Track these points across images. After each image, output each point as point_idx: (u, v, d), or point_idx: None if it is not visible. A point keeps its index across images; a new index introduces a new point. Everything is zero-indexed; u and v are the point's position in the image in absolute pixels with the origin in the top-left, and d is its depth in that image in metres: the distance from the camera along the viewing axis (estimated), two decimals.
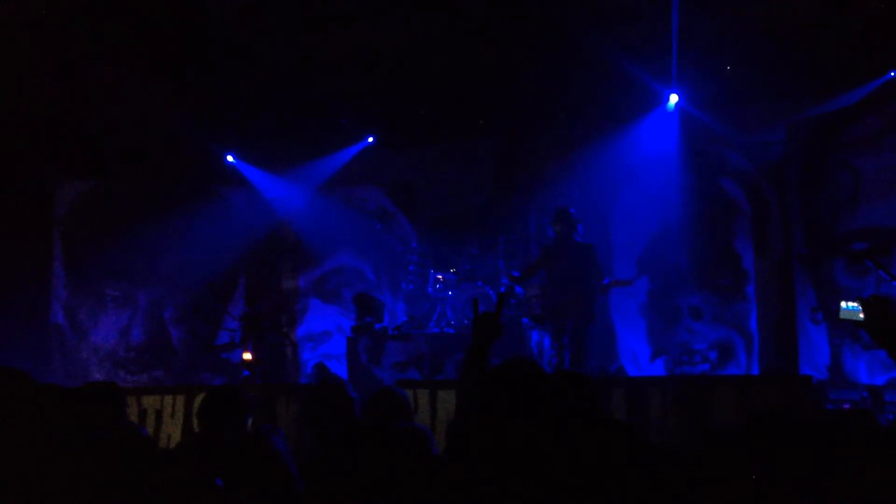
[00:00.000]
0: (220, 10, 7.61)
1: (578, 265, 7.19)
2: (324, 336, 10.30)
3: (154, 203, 10.20)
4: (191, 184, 10.41)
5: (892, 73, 8.04)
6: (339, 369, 9.31)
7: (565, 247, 7.25)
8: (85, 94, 8.96)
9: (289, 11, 7.77)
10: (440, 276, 8.72)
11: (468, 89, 8.80)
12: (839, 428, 2.39)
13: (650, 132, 8.96)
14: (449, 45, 8.31)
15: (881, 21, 7.37)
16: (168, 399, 6.29)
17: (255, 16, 7.80)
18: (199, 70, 8.52)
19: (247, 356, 8.07)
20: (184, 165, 10.25)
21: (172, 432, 6.14)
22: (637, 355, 8.94)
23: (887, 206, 7.96)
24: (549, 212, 7.63)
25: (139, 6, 7.55)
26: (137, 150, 9.89)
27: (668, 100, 8.74)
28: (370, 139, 10.07)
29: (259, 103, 9.22)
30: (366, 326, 8.62)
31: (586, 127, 9.05)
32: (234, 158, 10.33)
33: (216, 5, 7.54)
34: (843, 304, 2.49)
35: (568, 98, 8.65)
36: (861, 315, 2.39)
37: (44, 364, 9.61)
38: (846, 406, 7.24)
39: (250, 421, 3.33)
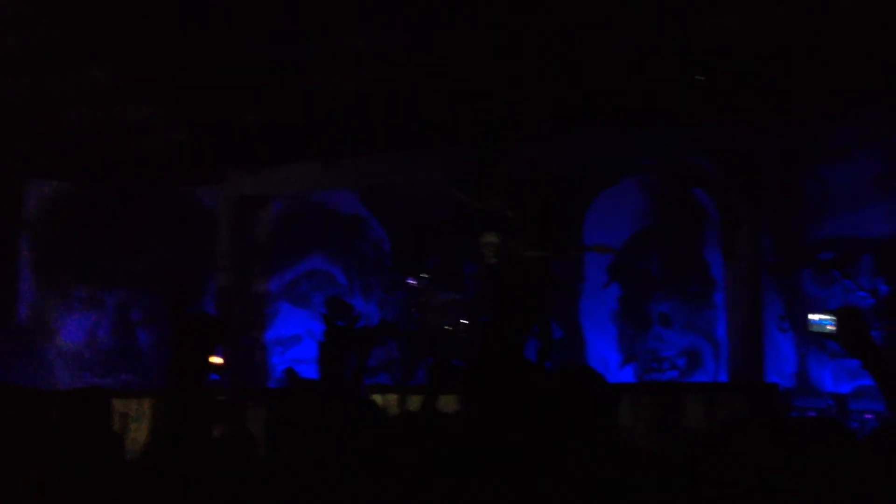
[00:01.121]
0: (199, 10, 7.57)
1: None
2: (294, 340, 10.26)
3: (124, 204, 10.12)
4: (162, 185, 10.34)
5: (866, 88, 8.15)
6: (309, 374, 9.27)
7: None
8: (55, 94, 8.87)
9: (270, 15, 7.74)
10: (412, 282, 8.72)
11: (445, 95, 8.80)
12: (808, 435, 2.41)
13: (623, 140, 9.02)
14: (426, 52, 8.32)
15: (853, 35, 7.47)
16: (135, 403, 6.24)
17: (233, 16, 7.77)
18: (173, 68, 8.47)
19: (215, 360, 8.00)
20: (155, 166, 10.18)
21: (139, 436, 6.09)
22: (607, 362, 8.99)
23: (855, 216, 8.08)
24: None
25: (113, 4, 7.50)
26: (108, 150, 9.80)
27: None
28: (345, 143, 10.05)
29: (235, 104, 9.17)
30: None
31: (560, 134, 9.09)
32: (208, 160, 10.26)
33: (195, 5, 7.50)
34: (811, 317, 2.51)
35: (543, 105, 8.67)
36: (830, 328, 2.42)
37: (8, 366, 9.50)
38: (811, 414, 7.33)
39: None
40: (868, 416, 6.84)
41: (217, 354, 7.37)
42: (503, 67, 8.23)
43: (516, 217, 6.93)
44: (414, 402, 5.83)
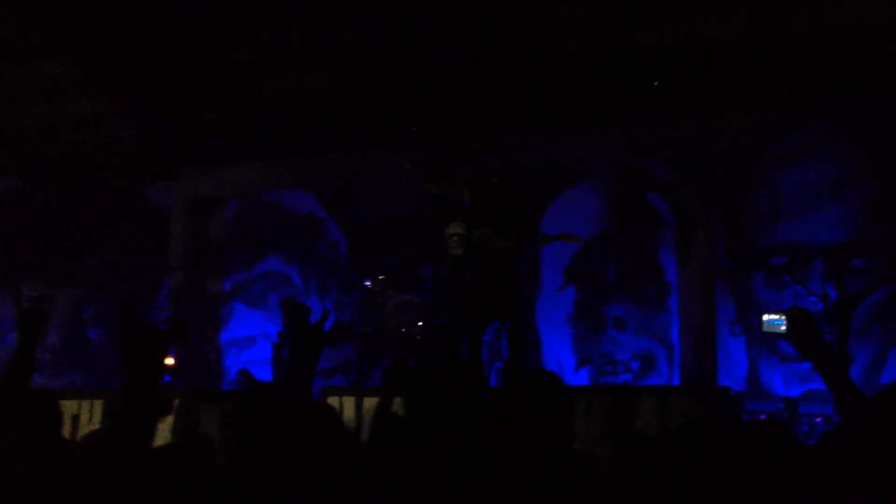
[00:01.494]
0: (154, 8, 7.48)
1: None
2: (248, 342, 10.18)
3: (76, 203, 9.96)
4: (115, 184, 10.19)
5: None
6: (264, 376, 9.20)
7: None
8: (4, 90, 8.70)
9: (225, 13, 7.67)
10: (368, 284, 8.69)
11: (403, 95, 8.79)
12: (756, 438, 2.43)
13: (578, 143, 9.07)
14: (384, 51, 8.30)
15: (803, 43, 7.60)
16: (86, 404, 6.13)
17: (189, 14, 7.68)
18: (125, 65, 8.35)
19: (169, 361, 7.92)
20: (108, 165, 10.03)
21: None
22: (562, 364, 9.04)
23: (806, 222, 8.22)
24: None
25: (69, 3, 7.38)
26: (60, 149, 9.64)
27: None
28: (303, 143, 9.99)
29: (190, 102, 9.06)
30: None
31: (518, 136, 9.12)
32: (161, 158, 10.14)
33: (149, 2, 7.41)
34: (765, 317, 2.55)
35: (502, 107, 8.69)
36: (783, 328, 2.45)
37: None
38: (762, 417, 7.44)
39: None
40: (817, 419, 6.96)
41: (170, 356, 7.27)
42: (458, 68, 8.24)
43: (482, 206, 6.74)
44: (369, 404, 5.80)
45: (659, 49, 7.83)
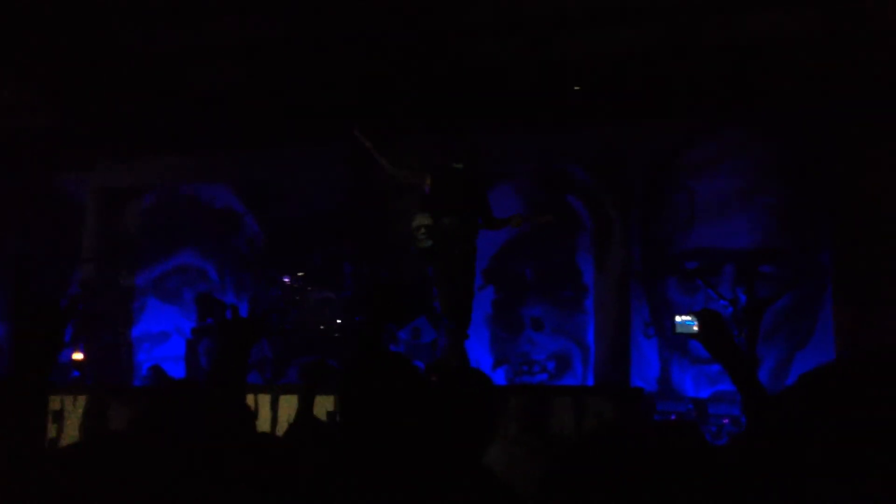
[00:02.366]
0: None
1: None
2: (161, 337, 9.97)
3: None
4: (28, 173, 9.88)
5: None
6: (177, 372, 9.03)
7: None
8: None
9: (144, 3, 7.50)
10: (287, 280, 8.60)
11: (326, 90, 8.72)
12: (665, 438, 2.48)
13: (500, 144, 9.13)
14: (309, 45, 8.23)
15: (718, 54, 7.80)
16: None
17: (117, 4, 7.49)
18: (39, 51, 8.10)
19: (77, 356, 7.73)
20: (22, 154, 9.71)
21: None
22: (480, 364, 9.09)
23: (719, 228, 8.45)
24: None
25: None
26: None
27: None
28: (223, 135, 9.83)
29: (106, 92, 8.84)
30: (207, 328, 8.43)
31: (438, 136, 9.14)
32: (75, 148, 9.86)
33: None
34: (677, 318, 2.60)
35: (423, 108, 8.71)
36: (695, 328, 2.51)
37: None
38: (673, 417, 7.61)
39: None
40: (725, 420, 7.15)
41: (65, 341, 7.09)
42: (378, 64, 8.23)
43: (445, 192, 6.41)
44: (285, 401, 5.75)
45: (578, 56, 7.95)
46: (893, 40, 7.46)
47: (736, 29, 7.44)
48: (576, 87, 8.27)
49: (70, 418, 5.71)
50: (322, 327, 8.18)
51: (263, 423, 5.59)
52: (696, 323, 2.53)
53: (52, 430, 5.55)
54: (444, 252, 6.35)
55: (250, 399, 5.58)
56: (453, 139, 6.68)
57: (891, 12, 7.13)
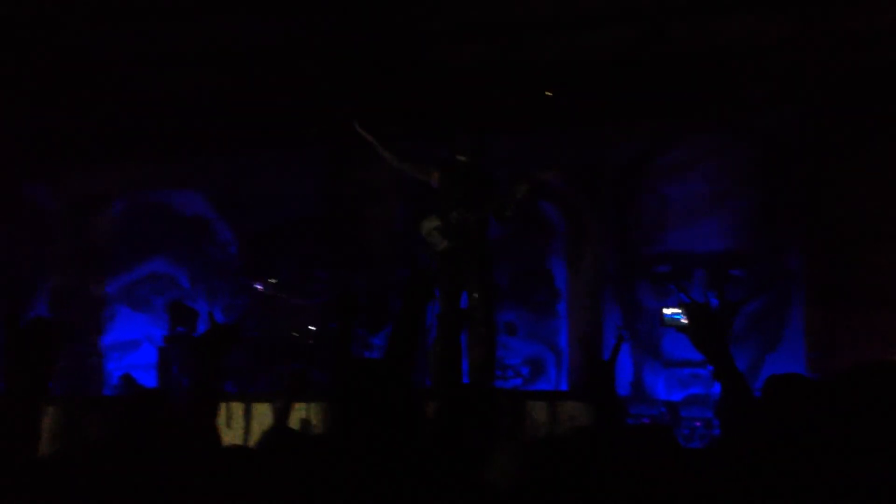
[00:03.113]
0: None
1: None
2: (132, 345, 9.89)
3: None
4: None
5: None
6: (148, 381, 8.96)
7: None
8: None
9: (110, 7, 7.45)
10: (260, 287, 8.56)
11: (299, 96, 8.70)
12: (640, 442, 2.51)
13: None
14: (274, 51, 8.21)
15: (687, 59, 7.87)
16: None
17: (74, 6, 7.42)
18: (11, 60, 8.01)
19: None
20: None
21: None
22: None
23: (690, 232, 8.51)
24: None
25: None
26: None
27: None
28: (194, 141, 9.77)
29: (74, 98, 8.75)
30: (179, 337, 8.38)
31: (410, 142, 9.14)
32: (44, 155, 9.76)
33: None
34: (665, 310, 2.63)
35: (394, 112, 8.71)
36: (683, 321, 2.53)
37: None
38: (645, 420, 7.65)
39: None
40: (697, 423, 7.19)
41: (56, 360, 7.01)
42: (349, 69, 8.22)
43: (453, 187, 6.19)
44: (258, 410, 5.72)
45: (549, 59, 7.99)
46: (864, 45, 7.58)
47: (707, 33, 7.51)
48: (547, 93, 8.30)
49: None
50: (295, 334, 8.15)
51: (236, 432, 5.56)
52: (683, 315, 2.55)
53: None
54: (462, 247, 6.11)
55: (223, 407, 5.55)
56: (457, 132, 6.44)
57: (862, 17, 7.23)
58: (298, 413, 4.67)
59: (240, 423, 5.62)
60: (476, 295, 6.15)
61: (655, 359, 8.49)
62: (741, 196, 8.48)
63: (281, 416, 3.01)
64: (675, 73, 7.98)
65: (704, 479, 2.15)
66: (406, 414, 2.15)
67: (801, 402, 1.99)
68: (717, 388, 6.62)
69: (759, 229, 8.41)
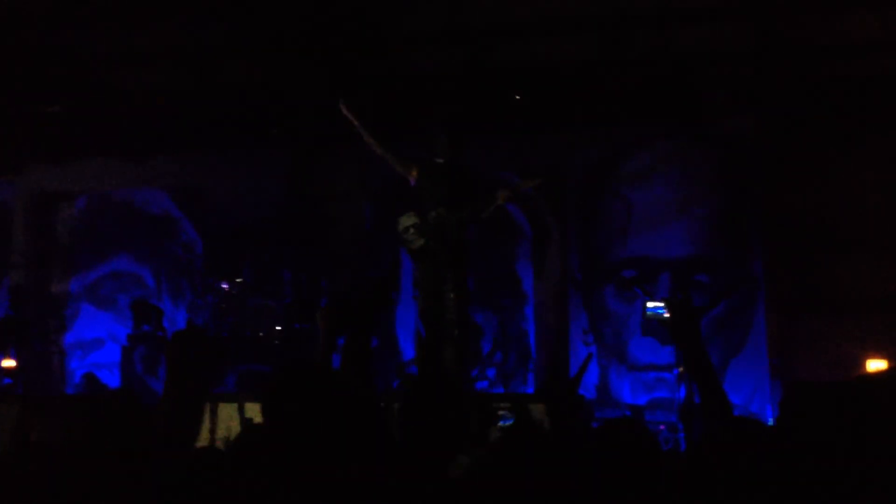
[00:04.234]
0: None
1: None
2: (95, 344, 9.79)
3: None
4: None
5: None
6: (111, 380, 8.88)
7: None
8: None
9: (76, 4, 7.37)
10: (225, 287, 8.51)
11: (263, 95, 8.66)
12: (610, 435, 2.54)
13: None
14: (240, 52, 8.18)
15: (652, 65, 7.96)
16: None
17: (45, 4, 7.34)
18: None
19: (8, 363, 7.57)
20: None
21: None
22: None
23: (655, 236, 8.59)
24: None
25: None
26: None
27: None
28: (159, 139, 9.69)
29: (36, 93, 8.65)
30: (143, 335, 8.33)
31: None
32: (4, 150, 9.63)
33: None
34: (648, 304, 2.69)
35: (362, 115, 8.69)
36: (665, 315, 2.59)
37: None
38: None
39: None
40: (661, 426, 7.26)
41: (9, 355, 6.92)
42: (316, 70, 8.20)
43: (431, 187, 6.17)
44: (224, 410, 5.68)
45: (514, 65, 8.03)
46: (822, 54, 7.71)
47: (669, 41, 7.59)
48: (517, 97, 8.34)
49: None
50: (261, 334, 8.11)
51: (202, 433, 5.51)
52: (665, 310, 2.61)
53: None
54: (438, 247, 6.08)
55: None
56: (434, 133, 6.40)
57: (819, 27, 7.36)
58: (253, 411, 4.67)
59: (205, 425, 5.57)
60: (452, 296, 6.14)
61: (621, 362, 8.56)
62: (704, 202, 8.58)
63: (327, 341, 2.98)
64: (638, 80, 8.06)
65: (680, 476, 2.18)
66: (358, 415, 2.14)
67: (820, 410, 2.03)
68: (682, 393, 6.71)
69: (721, 235, 8.52)
